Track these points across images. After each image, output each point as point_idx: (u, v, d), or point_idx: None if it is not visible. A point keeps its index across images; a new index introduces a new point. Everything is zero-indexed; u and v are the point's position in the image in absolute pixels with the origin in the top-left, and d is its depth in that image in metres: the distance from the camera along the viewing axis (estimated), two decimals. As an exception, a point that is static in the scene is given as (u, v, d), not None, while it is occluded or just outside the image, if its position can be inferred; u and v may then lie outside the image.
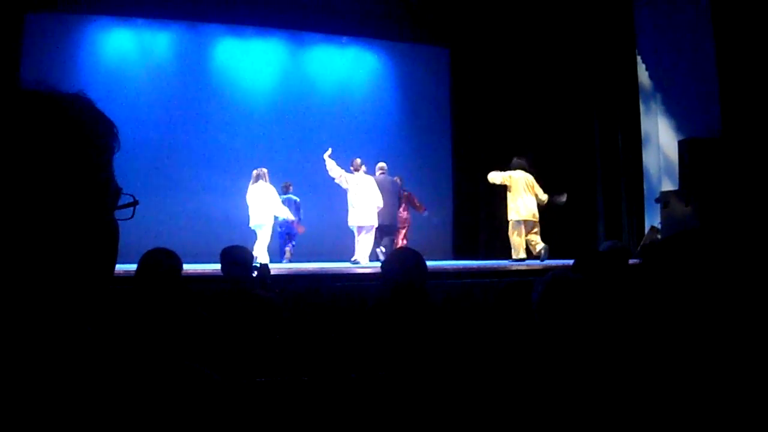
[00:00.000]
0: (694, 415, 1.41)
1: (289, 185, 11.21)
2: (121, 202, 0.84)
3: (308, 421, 2.82)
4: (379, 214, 10.22)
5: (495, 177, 10.50)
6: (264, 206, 10.01)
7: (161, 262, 3.66)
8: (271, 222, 10.17)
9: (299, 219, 11.04)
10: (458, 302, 6.77)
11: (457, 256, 12.72)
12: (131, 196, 0.85)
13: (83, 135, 0.78)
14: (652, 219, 10.93)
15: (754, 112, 9.14)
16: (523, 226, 10.32)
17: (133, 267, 3.69)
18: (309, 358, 3.47)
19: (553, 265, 9.58)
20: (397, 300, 3.08)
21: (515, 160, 10.66)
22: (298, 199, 11.17)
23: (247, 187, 10.55)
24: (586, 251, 4.93)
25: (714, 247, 1.50)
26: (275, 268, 7.53)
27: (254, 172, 10.27)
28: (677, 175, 10.10)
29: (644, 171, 11.44)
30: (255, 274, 4.84)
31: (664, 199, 10.12)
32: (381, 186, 10.39)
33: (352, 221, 10.22)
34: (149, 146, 11.51)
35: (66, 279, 0.75)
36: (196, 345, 3.35)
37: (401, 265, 3.15)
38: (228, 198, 11.72)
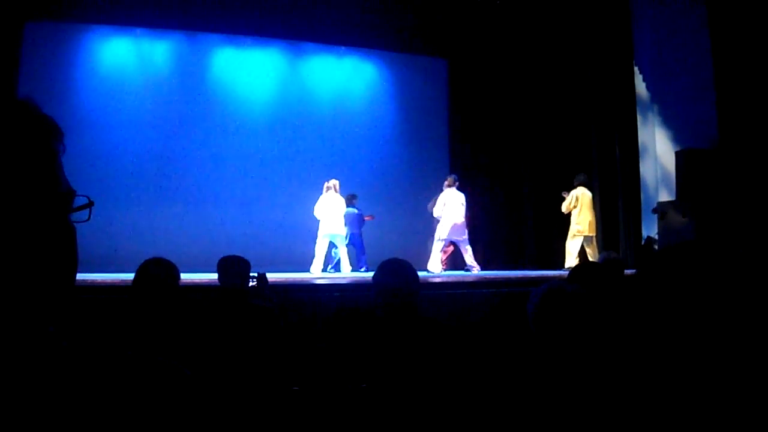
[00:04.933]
0: (691, 424, 1.42)
1: (354, 197, 11.34)
2: (78, 205, 0.84)
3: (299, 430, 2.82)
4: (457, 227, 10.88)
5: (567, 203, 11.20)
6: (335, 217, 10.61)
7: (159, 272, 3.66)
8: (344, 232, 10.79)
9: (359, 231, 11.28)
10: (454, 313, 6.76)
11: (455, 266, 12.71)
12: (86, 197, 0.85)
13: (25, 139, 0.79)
14: (649, 230, 10.93)
15: (751, 123, 9.17)
16: (582, 240, 10.99)
17: (131, 276, 3.70)
18: (304, 368, 3.47)
19: (549, 275, 9.61)
20: (388, 310, 3.08)
21: (580, 176, 11.30)
22: (356, 211, 11.25)
23: (242, 195, 10.56)
24: (582, 262, 4.95)
25: (710, 259, 1.51)
26: (290, 278, 7.52)
27: (325, 184, 10.74)
28: (674, 186, 10.12)
29: (641, 182, 11.44)
30: (253, 283, 4.84)
31: (661, 209, 10.12)
32: (457, 199, 10.99)
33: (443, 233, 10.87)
34: (146, 155, 11.54)
35: (21, 283, 0.75)
36: (193, 353, 3.35)
37: (392, 276, 3.14)
38: (225, 207, 11.74)
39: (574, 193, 11.13)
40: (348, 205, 11.01)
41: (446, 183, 11.04)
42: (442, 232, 10.85)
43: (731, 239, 8.20)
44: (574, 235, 11.04)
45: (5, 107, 0.80)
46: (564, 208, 11.19)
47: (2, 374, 0.72)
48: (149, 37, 12.19)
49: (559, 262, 11.57)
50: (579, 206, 11.05)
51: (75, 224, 0.84)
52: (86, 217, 0.86)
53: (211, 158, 12.06)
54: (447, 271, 11.04)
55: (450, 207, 10.81)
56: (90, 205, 0.86)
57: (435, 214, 10.92)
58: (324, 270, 10.73)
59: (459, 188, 11.07)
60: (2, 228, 0.74)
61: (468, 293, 7.51)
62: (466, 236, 11.03)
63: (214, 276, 4.50)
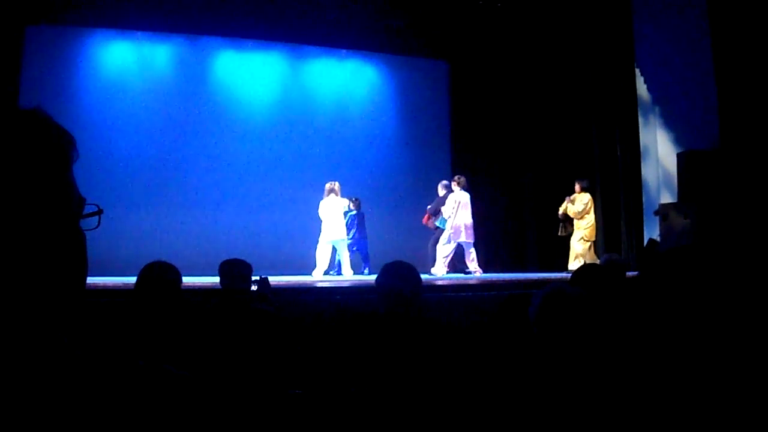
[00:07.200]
0: (692, 424, 1.42)
1: (357, 200, 11.28)
2: (87, 213, 0.86)
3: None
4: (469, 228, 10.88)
5: (577, 206, 11.29)
6: (337, 221, 10.39)
7: (161, 275, 3.67)
8: (345, 236, 10.59)
9: (357, 233, 11.21)
10: (457, 315, 6.75)
11: (455, 269, 12.70)
12: (96, 205, 0.87)
13: (40, 149, 0.79)
14: (651, 232, 10.92)
15: (753, 125, 9.15)
16: (591, 243, 11.23)
17: (133, 280, 3.70)
18: (306, 371, 3.47)
19: (551, 278, 9.61)
20: (391, 313, 3.07)
21: (585, 183, 11.47)
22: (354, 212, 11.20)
23: (244, 198, 10.50)
24: (583, 264, 4.94)
25: (712, 261, 1.51)
26: (296, 282, 7.50)
27: (326, 186, 10.54)
28: (676, 188, 10.10)
29: (643, 183, 11.43)
30: (254, 287, 4.84)
31: (663, 211, 10.10)
32: (467, 201, 10.95)
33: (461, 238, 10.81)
34: (148, 158, 11.55)
35: (34, 290, 0.76)
36: (194, 357, 3.35)
37: (396, 278, 3.14)
38: (227, 210, 11.74)
39: (586, 198, 11.23)
40: (351, 208, 10.98)
41: (456, 183, 10.92)
42: (455, 235, 10.76)
43: (733, 241, 8.18)
44: (583, 239, 11.06)
45: (20, 118, 0.80)
46: (578, 212, 11.21)
47: (14, 380, 0.73)
48: (150, 40, 12.18)
49: (562, 265, 11.57)
50: (589, 211, 11.18)
51: (85, 231, 0.85)
52: (95, 225, 0.87)
53: (213, 161, 12.05)
54: (449, 274, 11.01)
55: (463, 209, 10.73)
56: (99, 212, 0.87)
57: (446, 215, 10.80)
58: (326, 273, 10.67)
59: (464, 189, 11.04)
60: (16, 235, 0.75)
61: (470, 296, 7.51)
62: (473, 239, 10.98)
63: (216, 279, 4.51)
